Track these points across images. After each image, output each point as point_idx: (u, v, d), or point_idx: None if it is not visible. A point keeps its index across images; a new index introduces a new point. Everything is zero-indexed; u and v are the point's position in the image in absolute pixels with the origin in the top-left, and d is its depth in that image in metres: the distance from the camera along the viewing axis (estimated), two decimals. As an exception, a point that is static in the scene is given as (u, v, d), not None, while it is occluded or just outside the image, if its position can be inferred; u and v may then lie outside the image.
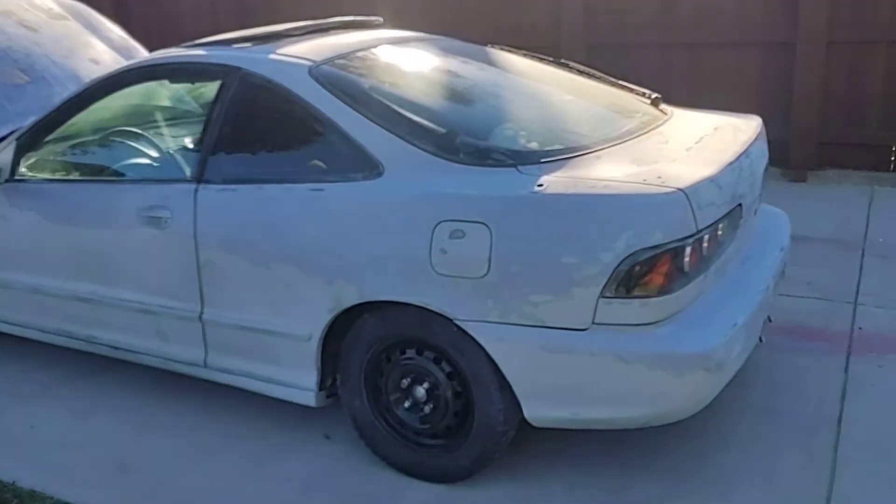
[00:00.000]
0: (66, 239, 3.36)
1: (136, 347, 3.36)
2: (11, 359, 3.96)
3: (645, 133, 2.93)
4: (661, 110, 3.27)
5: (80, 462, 3.08)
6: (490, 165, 2.61)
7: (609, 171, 2.55)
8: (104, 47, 5.19)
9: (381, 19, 3.96)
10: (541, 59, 3.66)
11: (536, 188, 2.48)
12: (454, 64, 3.37)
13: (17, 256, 3.55)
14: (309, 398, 2.97)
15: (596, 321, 2.42)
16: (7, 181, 3.54)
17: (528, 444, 2.94)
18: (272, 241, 2.85)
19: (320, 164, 2.85)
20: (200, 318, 3.10)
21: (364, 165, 2.74)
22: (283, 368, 2.99)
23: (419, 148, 2.69)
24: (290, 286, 2.85)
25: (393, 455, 2.89)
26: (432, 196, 2.60)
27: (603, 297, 2.40)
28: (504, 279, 2.48)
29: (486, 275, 2.49)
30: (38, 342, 3.73)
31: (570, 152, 2.68)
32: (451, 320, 2.59)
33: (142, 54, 5.10)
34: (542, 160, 2.62)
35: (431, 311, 2.62)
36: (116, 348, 3.43)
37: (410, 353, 2.77)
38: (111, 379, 3.71)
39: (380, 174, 2.71)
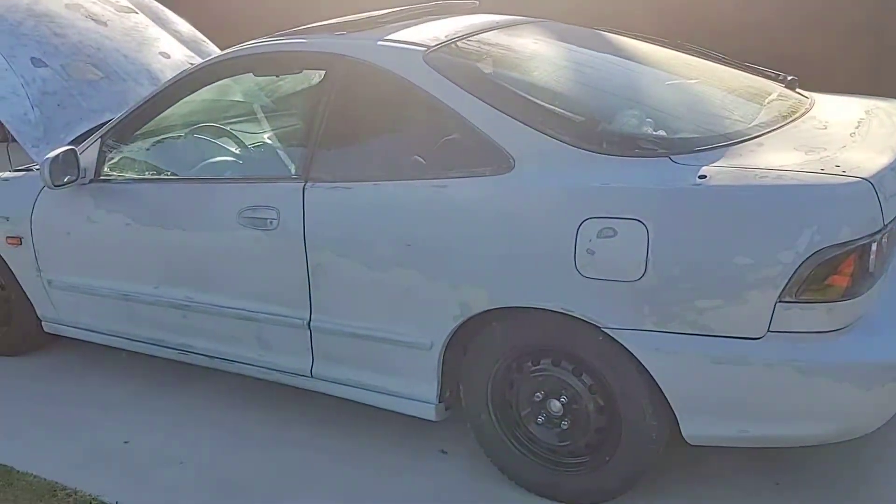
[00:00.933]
0: (159, 242, 3.17)
1: (235, 356, 3.17)
2: (95, 369, 3.79)
3: (797, 118, 2.65)
4: (800, 93, 2.99)
5: (183, 481, 2.88)
6: (639, 155, 2.36)
7: (777, 160, 2.28)
8: (173, 41, 4.99)
9: (476, 2, 3.72)
10: (657, 42, 3.39)
11: (699, 180, 2.22)
12: (572, 48, 3.12)
13: (105, 261, 3.37)
14: (428, 411, 2.75)
15: (772, 329, 2.16)
16: (92, 181, 3.36)
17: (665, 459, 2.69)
18: (390, 243, 2.63)
19: (442, 158, 2.61)
20: (308, 325, 2.89)
21: (492, 158, 2.50)
22: (400, 379, 2.77)
23: (555, 138, 2.45)
24: (411, 291, 2.63)
25: (524, 474, 2.65)
26: (575, 190, 2.36)
27: (781, 301, 2.13)
28: (664, 283, 2.22)
29: (641, 278, 2.24)
30: (120, 351, 3.55)
31: (726, 140, 2.41)
32: (597, 328, 2.34)
33: (212, 48, 4.91)
34: (697, 148, 2.36)
35: (574, 317, 2.37)
36: (212, 357, 3.24)
37: (545, 363, 2.53)
38: (203, 389, 3.52)
39: (510, 168, 2.46)
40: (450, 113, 2.58)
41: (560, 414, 2.54)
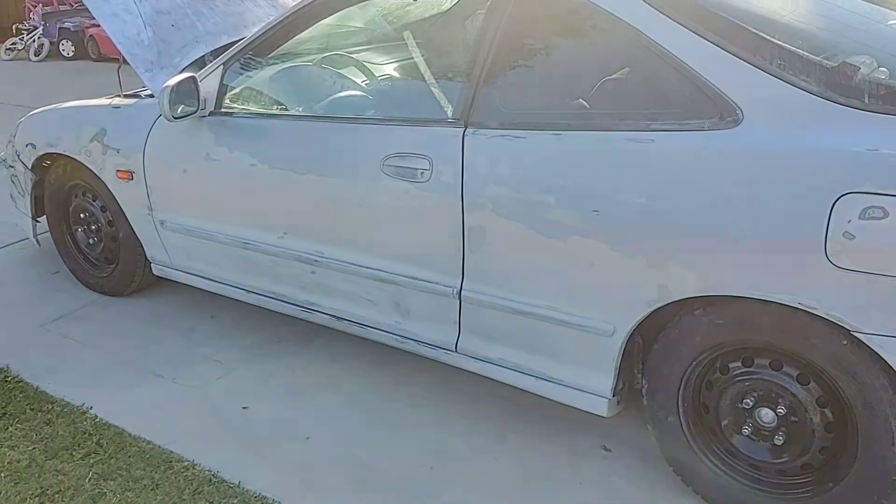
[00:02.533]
0: (287, 188, 2.79)
1: (367, 320, 2.80)
2: (205, 319, 3.49)
3: None
4: None
5: (311, 458, 2.55)
6: (922, 115, 1.84)
7: None
8: (290, -42, 4.55)
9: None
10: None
11: None
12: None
13: (225, 205, 3.02)
14: (599, 406, 2.33)
15: None
16: (212, 114, 2.98)
17: None
18: (573, 208, 2.18)
19: (647, 105, 2.13)
20: (459, 294, 2.49)
21: (712, 109, 2.01)
22: (567, 365, 2.36)
23: (798, 87, 1.93)
24: (595, 267, 2.18)
25: (714, 490, 2.23)
26: (829, 156, 1.86)
27: None
28: (952, 283, 1.72)
29: (919, 274, 1.74)
30: (234, 301, 3.22)
31: None
32: (844, 331, 1.87)
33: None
34: None
35: (813, 315, 1.90)
36: (340, 318, 2.88)
37: (760, 365, 2.08)
38: (322, 349, 3.19)
39: (737, 121, 1.97)
40: (656, 50, 2.09)
41: (773, 426, 2.10)
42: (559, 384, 2.40)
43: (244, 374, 3.04)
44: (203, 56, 3.37)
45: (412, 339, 2.70)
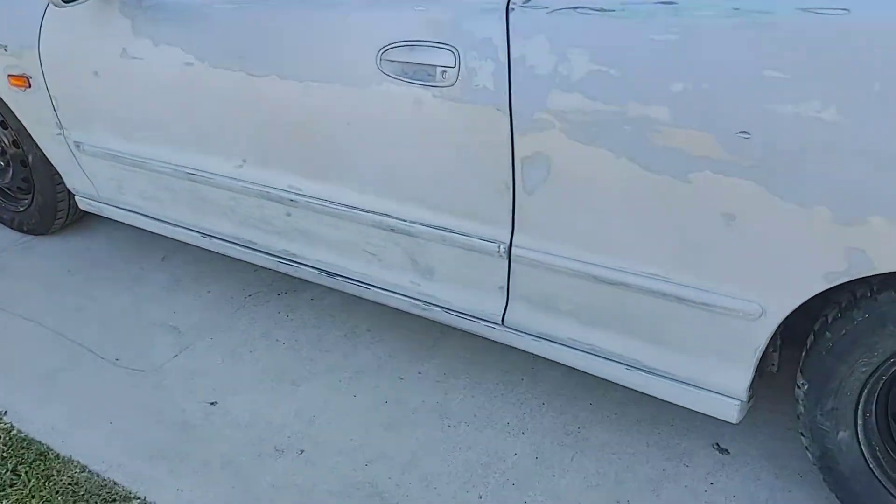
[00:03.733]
0: (240, 97, 1.91)
1: (371, 279, 2.01)
2: (153, 262, 2.69)
3: None
4: None
5: (311, 480, 1.83)
6: None
7: None
8: None
9: None
10: None
11: None
12: None
13: (156, 121, 2.14)
14: (728, 409, 1.59)
15: None
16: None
17: None
18: (703, 126, 1.34)
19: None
20: (508, 251, 1.68)
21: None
22: (679, 354, 1.60)
23: None
24: (737, 221, 1.37)
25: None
26: None
27: None
28: None
29: None
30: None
31: None
32: None
33: None
34: None
35: None
36: (332, 274, 2.08)
37: None
38: (319, 306, 2.40)
39: None
40: None
41: None
42: (666, 377, 1.64)
43: (208, 348, 2.27)
44: None
45: (438, 307, 1.92)
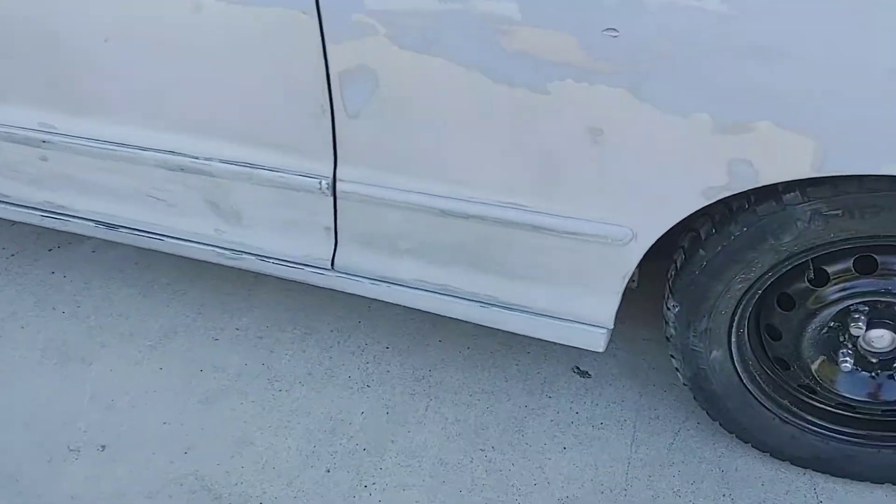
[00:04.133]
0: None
1: (162, 228, 1.65)
2: None
3: None
4: None
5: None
6: None
7: None
8: None
9: None
10: None
11: None
12: None
13: None
14: (595, 339, 1.44)
15: None
16: None
17: None
18: (560, 25, 1.10)
19: None
20: (332, 186, 1.40)
21: None
22: (543, 288, 1.41)
23: None
24: (604, 135, 1.17)
25: (791, 446, 1.46)
26: None
27: None
28: None
29: None
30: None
31: None
32: None
33: None
34: None
35: None
36: (111, 226, 1.69)
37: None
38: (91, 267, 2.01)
39: None
40: None
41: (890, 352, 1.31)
42: (526, 312, 1.45)
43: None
44: None
45: (251, 255, 1.61)
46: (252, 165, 1.43)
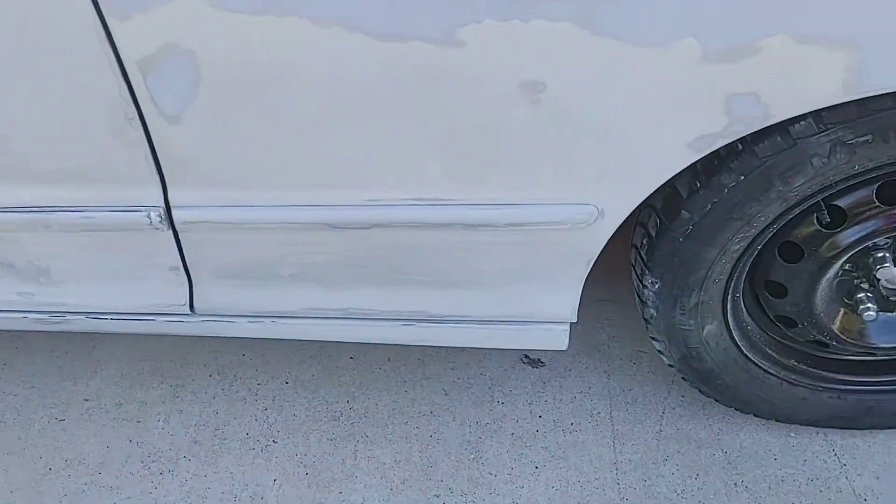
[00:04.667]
0: None
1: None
2: None
3: None
4: None
5: None
6: None
7: None
8: None
9: None
10: None
11: None
12: None
13: None
14: (558, 338, 1.14)
15: None
16: None
17: None
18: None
19: None
20: (167, 217, 0.98)
21: None
22: (486, 291, 1.08)
23: None
24: (546, 90, 0.80)
25: (765, 402, 1.22)
26: None
27: None
28: None
29: None
30: None
31: None
32: None
33: None
34: None
35: None
36: None
37: None
38: None
39: None
40: None
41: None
42: (466, 323, 1.12)
43: None
44: None
45: (78, 314, 1.18)
46: (45, 209, 0.99)
